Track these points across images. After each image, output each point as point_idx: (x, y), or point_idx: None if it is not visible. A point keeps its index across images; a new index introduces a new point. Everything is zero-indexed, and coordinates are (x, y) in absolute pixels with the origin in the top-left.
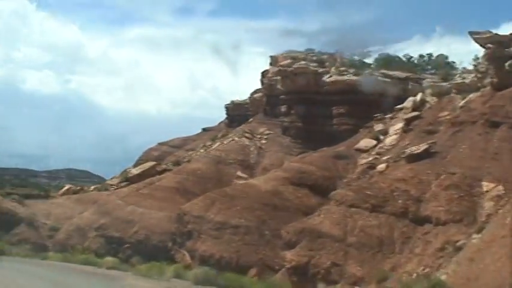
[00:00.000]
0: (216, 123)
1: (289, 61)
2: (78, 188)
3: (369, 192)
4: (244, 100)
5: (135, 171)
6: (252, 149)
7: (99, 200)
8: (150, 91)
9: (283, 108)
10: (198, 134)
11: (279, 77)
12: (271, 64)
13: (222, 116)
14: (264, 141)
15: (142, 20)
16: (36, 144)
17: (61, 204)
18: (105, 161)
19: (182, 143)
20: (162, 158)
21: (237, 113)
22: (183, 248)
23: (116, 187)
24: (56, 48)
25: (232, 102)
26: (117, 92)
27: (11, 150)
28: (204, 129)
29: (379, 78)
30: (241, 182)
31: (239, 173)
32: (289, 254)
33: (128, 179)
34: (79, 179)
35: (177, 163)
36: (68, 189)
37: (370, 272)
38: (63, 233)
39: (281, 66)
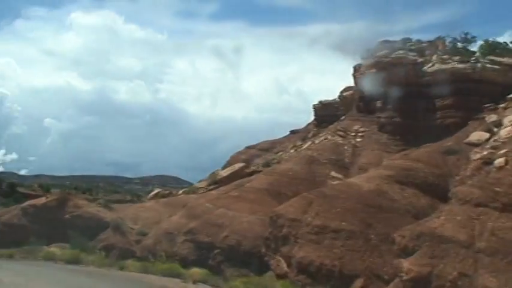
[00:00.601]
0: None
1: (385, 51)
2: (167, 192)
3: (498, 189)
4: (333, 100)
5: (224, 173)
6: (346, 147)
7: (187, 203)
8: (236, 97)
9: (378, 103)
10: (285, 137)
11: (373, 70)
12: (363, 58)
13: (307, 119)
14: (358, 139)
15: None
16: (129, 152)
17: (149, 208)
18: (194, 167)
19: (270, 146)
20: (250, 162)
21: (325, 113)
22: (278, 254)
23: (204, 190)
24: (145, 59)
25: (321, 102)
26: (203, 99)
27: (105, 158)
28: (292, 132)
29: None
30: (336, 182)
31: (333, 173)
32: (406, 263)
33: (217, 182)
34: (170, 185)
35: (266, 164)
36: (156, 193)
37: (506, 284)
38: (151, 238)
39: (376, 57)
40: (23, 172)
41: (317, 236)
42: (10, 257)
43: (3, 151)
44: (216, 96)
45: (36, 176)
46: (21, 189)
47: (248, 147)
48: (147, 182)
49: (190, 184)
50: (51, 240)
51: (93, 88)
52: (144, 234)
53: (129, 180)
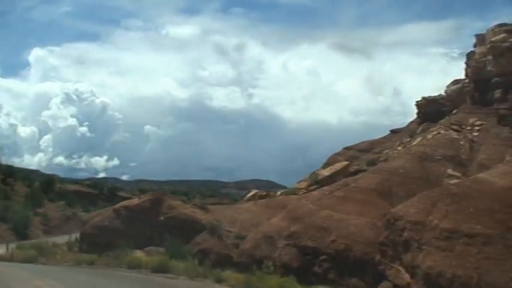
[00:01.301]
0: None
1: (503, 35)
2: (265, 193)
3: None
4: (438, 95)
5: (326, 172)
6: (462, 142)
7: (288, 205)
8: (329, 100)
9: (497, 94)
10: (385, 137)
11: (490, 57)
12: (475, 46)
13: (405, 120)
14: (475, 134)
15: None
16: (225, 157)
17: (247, 210)
18: (288, 171)
19: (370, 147)
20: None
21: (430, 110)
22: (397, 263)
23: (305, 191)
24: (239, 65)
25: (424, 98)
26: (297, 103)
27: (202, 163)
28: (393, 131)
29: None
30: (453, 181)
31: (450, 171)
32: None
33: (318, 182)
34: (265, 189)
35: (371, 163)
36: (254, 195)
37: None
38: (249, 242)
39: (492, 42)
40: (124, 177)
41: (447, 241)
42: (91, 264)
43: (105, 157)
44: (309, 99)
45: (137, 181)
46: (121, 194)
47: (346, 148)
48: (242, 186)
49: (285, 188)
50: (143, 243)
51: (190, 95)
52: (242, 238)
53: (225, 185)
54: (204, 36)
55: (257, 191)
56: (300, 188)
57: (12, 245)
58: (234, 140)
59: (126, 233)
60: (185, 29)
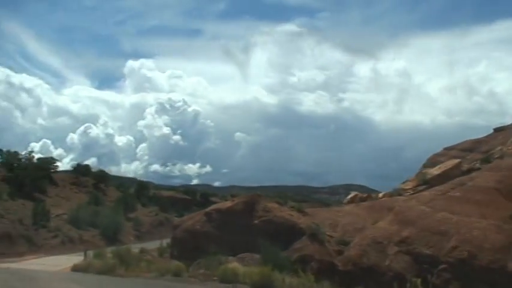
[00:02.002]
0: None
1: None
2: (365, 195)
3: None
4: None
5: (435, 171)
6: None
7: (395, 207)
8: (422, 102)
9: None
10: (489, 136)
11: None
12: None
13: (503, 120)
14: None
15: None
16: (315, 162)
17: (349, 213)
18: (381, 175)
19: (473, 146)
20: None
21: None
22: None
23: (412, 191)
24: (327, 69)
25: None
26: (388, 106)
27: (292, 168)
28: (496, 130)
29: None
30: None
31: None
32: None
33: (426, 182)
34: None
35: (486, 160)
36: (353, 197)
37: None
38: (355, 248)
39: None
40: (216, 184)
41: None
42: (176, 275)
43: (198, 165)
44: (400, 101)
45: (229, 187)
46: (214, 199)
47: (446, 149)
48: (334, 191)
49: (378, 192)
50: (236, 249)
51: (279, 101)
52: (346, 244)
53: (316, 190)
54: (291, 41)
55: (357, 193)
56: (406, 189)
57: (92, 253)
58: (324, 145)
59: (218, 237)
60: (272, 35)
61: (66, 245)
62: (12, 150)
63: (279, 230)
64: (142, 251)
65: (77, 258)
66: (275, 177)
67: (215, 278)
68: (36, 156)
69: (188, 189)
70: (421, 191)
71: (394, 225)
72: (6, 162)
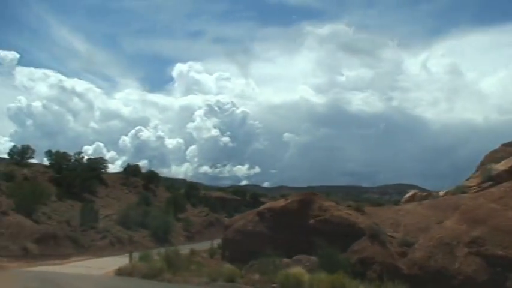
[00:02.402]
0: None
1: None
2: (425, 193)
3: None
4: None
5: (501, 167)
6: None
7: (461, 205)
8: (474, 99)
9: None
10: None
11: None
12: None
13: None
14: None
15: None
16: (365, 162)
17: (410, 212)
18: (433, 174)
19: None
20: None
21: None
22: None
23: (477, 188)
24: (377, 67)
25: None
26: (439, 104)
27: (341, 168)
28: None
29: None
30: None
31: None
32: None
33: (492, 178)
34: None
35: None
36: (412, 195)
37: None
38: (420, 250)
39: None
40: (265, 184)
41: None
42: (229, 280)
43: (247, 166)
44: (452, 99)
45: (278, 188)
46: (264, 200)
47: (505, 145)
48: (384, 191)
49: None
50: (291, 250)
51: (327, 101)
52: (409, 245)
53: (366, 190)
54: (340, 40)
55: (416, 191)
56: (470, 186)
57: (139, 254)
58: (373, 144)
59: (271, 238)
60: (320, 35)
61: (115, 246)
62: (62, 151)
63: (336, 230)
64: (193, 252)
65: (123, 261)
66: (324, 178)
67: (274, 286)
68: (87, 157)
69: (238, 190)
70: (487, 187)
71: (463, 225)
72: (55, 163)
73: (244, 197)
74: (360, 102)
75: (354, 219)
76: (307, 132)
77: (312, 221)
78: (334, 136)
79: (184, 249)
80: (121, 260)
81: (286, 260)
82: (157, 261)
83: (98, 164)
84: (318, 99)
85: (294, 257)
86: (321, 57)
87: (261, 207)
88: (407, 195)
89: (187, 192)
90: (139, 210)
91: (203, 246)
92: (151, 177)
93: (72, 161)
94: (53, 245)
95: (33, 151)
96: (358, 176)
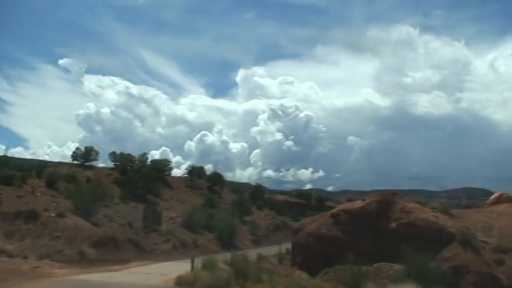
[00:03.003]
0: None
1: None
2: None
3: None
4: None
5: None
6: None
7: None
8: None
9: None
10: None
11: None
12: None
13: None
14: None
15: None
16: (432, 165)
17: (503, 214)
18: (504, 177)
19: None
20: None
21: None
22: None
23: None
24: (443, 69)
25: None
26: (509, 105)
27: (407, 172)
28: None
29: None
30: None
31: None
32: None
33: None
34: (479, 198)
35: None
36: (498, 196)
37: None
38: None
39: None
40: (329, 189)
41: None
42: None
43: (311, 169)
44: None
45: (342, 192)
46: (329, 203)
47: None
48: (452, 195)
49: None
50: (369, 257)
51: (392, 103)
52: (505, 251)
53: (433, 194)
54: (404, 42)
55: (502, 192)
56: None
57: (202, 260)
58: (440, 147)
59: (347, 243)
60: (384, 37)
61: (179, 250)
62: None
63: (422, 234)
64: (260, 257)
65: (187, 266)
66: (389, 182)
67: None
68: (151, 158)
69: (302, 194)
70: None
71: None
72: (119, 165)
73: (309, 200)
74: (426, 104)
75: (442, 222)
76: (371, 135)
77: (393, 224)
78: (399, 139)
79: (251, 254)
80: (184, 266)
81: (365, 268)
82: (223, 270)
83: (162, 166)
84: (383, 102)
85: (375, 265)
86: (385, 59)
87: (336, 209)
88: (492, 197)
89: (253, 195)
90: (204, 213)
91: (270, 250)
92: (216, 179)
93: (136, 162)
94: (113, 249)
95: (97, 153)
96: (424, 179)
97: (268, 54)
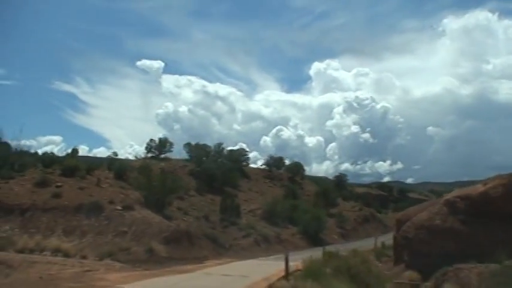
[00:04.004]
0: None
1: None
2: None
3: None
4: None
5: None
6: None
7: None
8: None
9: None
10: None
11: None
12: None
13: None
14: None
15: None
16: None
17: None
18: None
19: None
20: None
21: None
22: None
23: None
24: None
25: None
26: None
27: (490, 162)
28: None
29: None
30: None
31: None
32: None
33: None
34: None
35: None
36: None
37: None
38: None
39: None
40: (409, 181)
41: None
42: None
43: (389, 162)
44: None
45: (422, 184)
46: (411, 195)
47: None
48: None
49: None
50: (497, 253)
51: (473, 91)
52: None
53: None
54: (484, 27)
55: None
56: None
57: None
58: None
59: (469, 236)
60: (461, 23)
61: (261, 246)
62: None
63: None
64: (356, 254)
65: (272, 265)
66: (471, 172)
67: None
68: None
69: (383, 186)
70: None
71: None
72: (194, 157)
73: (391, 192)
74: (509, 90)
75: None
76: (452, 125)
77: None
78: (481, 128)
79: (342, 251)
80: (269, 265)
81: (493, 267)
82: (332, 276)
83: (238, 156)
84: (463, 90)
85: (507, 262)
86: (464, 46)
87: (450, 196)
88: None
89: (338, 185)
90: (286, 204)
91: (362, 245)
92: (297, 170)
93: (212, 153)
94: (186, 245)
95: (171, 144)
96: (508, 169)
97: (342, 47)
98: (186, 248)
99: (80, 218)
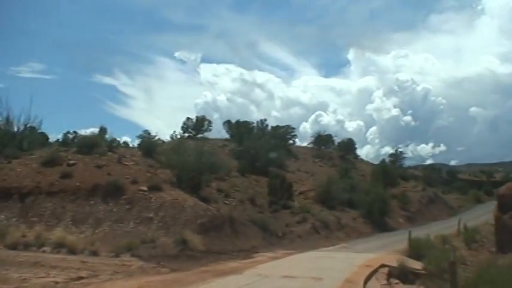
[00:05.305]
0: None
1: None
2: None
3: None
4: None
5: None
6: None
7: None
8: None
9: None
10: None
11: None
12: None
13: None
14: None
15: None
16: None
17: None
18: None
19: None
20: None
21: None
22: None
23: None
24: None
25: None
26: None
27: None
28: None
29: None
30: None
31: None
32: None
33: None
34: None
35: None
36: None
37: None
38: None
39: None
40: (452, 163)
41: None
42: None
43: (431, 144)
44: None
45: (466, 165)
46: (461, 176)
47: None
48: None
49: None
50: None
51: None
52: None
53: None
54: None
55: None
56: None
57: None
58: None
59: None
60: (500, 1)
61: (320, 233)
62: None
63: None
64: (442, 239)
65: (346, 259)
66: None
67: None
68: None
69: (428, 168)
70: None
71: None
72: (235, 134)
73: (439, 174)
74: None
75: None
76: (495, 105)
77: None
78: None
79: (421, 237)
80: (340, 258)
81: None
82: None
83: (284, 133)
84: (505, 69)
85: None
86: (504, 24)
87: None
88: None
89: (393, 163)
90: (343, 185)
91: (437, 230)
92: (349, 147)
93: (255, 131)
94: (229, 235)
95: (209, 122)
96: None
97: (379, 28)
98: (228, 238)
99: (94, 202)
